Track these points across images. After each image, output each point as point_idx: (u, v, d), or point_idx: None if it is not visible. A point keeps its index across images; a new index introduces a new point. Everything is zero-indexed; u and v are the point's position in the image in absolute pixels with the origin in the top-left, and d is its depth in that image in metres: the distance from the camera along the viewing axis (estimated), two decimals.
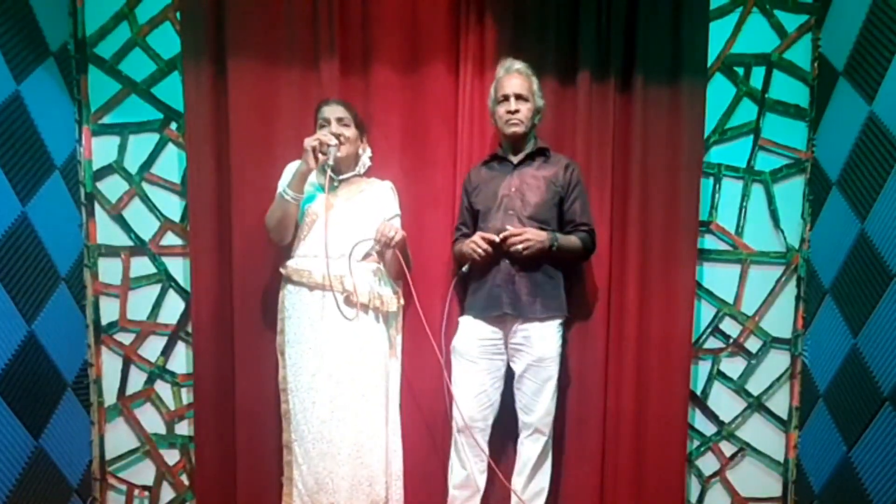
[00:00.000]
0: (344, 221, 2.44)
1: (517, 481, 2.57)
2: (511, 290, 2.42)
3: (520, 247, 2.35)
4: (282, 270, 2.48)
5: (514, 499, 2.59)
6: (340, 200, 2.48)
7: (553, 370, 2.48)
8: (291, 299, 2.46)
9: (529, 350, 2.46)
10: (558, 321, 2.50)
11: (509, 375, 2.55)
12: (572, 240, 2.46)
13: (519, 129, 2.46)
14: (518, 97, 2.44)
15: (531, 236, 2.36)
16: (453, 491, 2.61)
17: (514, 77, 2.46)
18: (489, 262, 2.42)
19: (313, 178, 2.47)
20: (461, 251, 2.51)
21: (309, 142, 2.32)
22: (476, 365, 2.50)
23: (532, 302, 2.43)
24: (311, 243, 2.45)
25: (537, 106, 2.50)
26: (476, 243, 2.40)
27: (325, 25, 2.63)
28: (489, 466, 2.58)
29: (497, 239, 2.37)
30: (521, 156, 2.52)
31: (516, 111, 2.44)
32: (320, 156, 2.34)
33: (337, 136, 2.41)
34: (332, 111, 2.46)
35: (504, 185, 2.49)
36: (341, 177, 2.51)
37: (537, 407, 2.49)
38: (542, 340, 2.45)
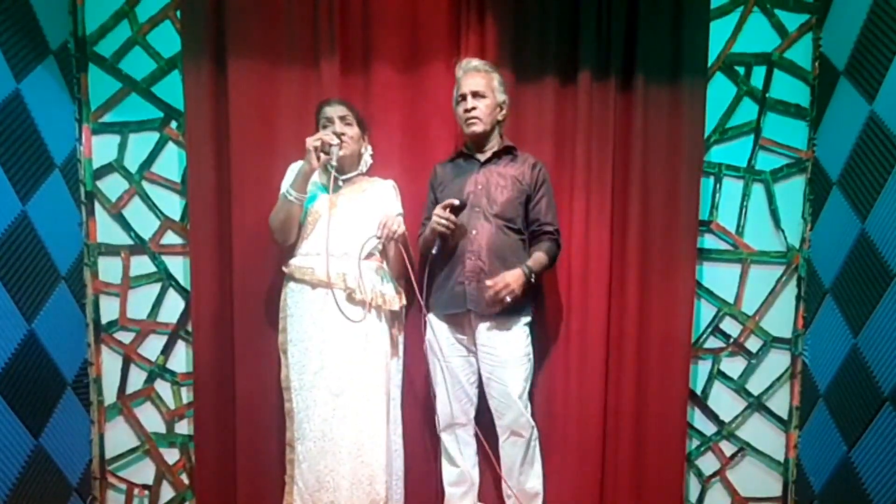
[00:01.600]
0: (346, 220, 2.44)
1: (508, 487, 2.56)
2: (475, 287, 2.39)
3: (504, 294, 2.28)
4: (284, 269, 2.48)
5: (511, 501, 2.58)
6: (343, 199, 2.48)
7: (520, 371, 2.44)
8: (294, 297, 2.46)
9: (494, 352, 2.43)
10: (524, 321, 2.47)
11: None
12: (541, 259, 2.41)
13: (477, 128, 2.41)
14: (475, 94, 2.40)
15: (511, 281, 2.29)
16: (449, 489, 2.62)
17: (470, 76, 2.43)
18: (458, 232, 2.37)
19: (316, 177, 2.47)
20: (426, 237, 2.45)
21: (311, 141, 2.32)
22: (449, 363, 2.50)
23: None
24: (313, 242, 2.45)
25: (498, 101, 2.46)
26: (438, 215, 2.33)
27: (326, 24, 2.63)
28: (483, 462, 2.58)
29: (456, 202, 2.33)
30: (487, 153, 2.49)
31: (473, 108, 2.39)
32: (322, 155, 2.34)
33: (340, 135, 2.41)
34: (335, 110, 2.46)
35: (470, 183, 2.46)
36: (344, 176, 2.50)
37: (508, 410, 2.46)
38: (506, 342, 2.42)
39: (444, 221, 2.32)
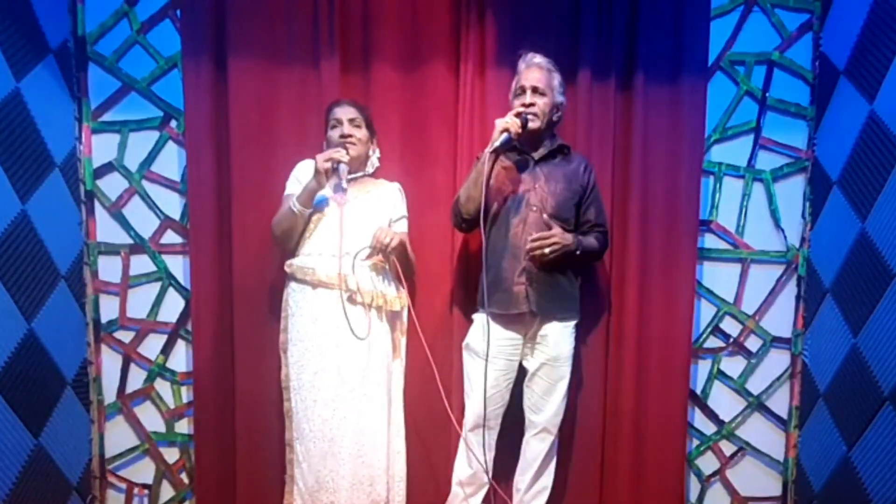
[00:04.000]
0: (351, 221, 2.43)
1: (521, 479, 2.57)
2: (534, 289, 2.39)
3: (548, 250, 2.31)
4: (286, 268, 2.48)
5: (516, 497, 2.58)
6: (348, 200, 2.47)
7: (566, 370, 2.48)
8: (295, 297, 2.46)
9: (545, 349, 2.45)
10: (574, 323, 2.49)
11: (519, 373, 2.53)
12: (592, 242, 2.46)
13: (534, 125, 2.37)
14: (535, 90, 2.38)
15: (559, 238, 2.32)
16: (455, 488, 2.60)
17: (533, 70, 2.40)
18: (524, 134, 2.34)
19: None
20: (473, 176, 2.37)
21: (322, 162, 2.31)
22: (491, 364, 2.44)
23: (551, 302, 2.42)
24: (316, 242, 2.44)
25: (556, 102, 2.43)
26: (506, 120, 2.28)
27: (326, 23, 2.62)
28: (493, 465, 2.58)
29: (521, 110, 2.33)
30: (543, 151, 2.46)
31: (531, 105, 2.36)
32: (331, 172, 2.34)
33: (348, 137, 2.42)
34: (345, 112, 2.47)
35: (525, 181, 2.43)
36: (350, 176, 2.50)
37: (547, 406, 2.48)
38: (558, 341, 2.45)
39: (517, 119, 2.30)
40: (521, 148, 2.46)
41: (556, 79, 2.45)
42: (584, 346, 2.71)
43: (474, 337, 2.49)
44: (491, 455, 2.54)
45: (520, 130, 2.31)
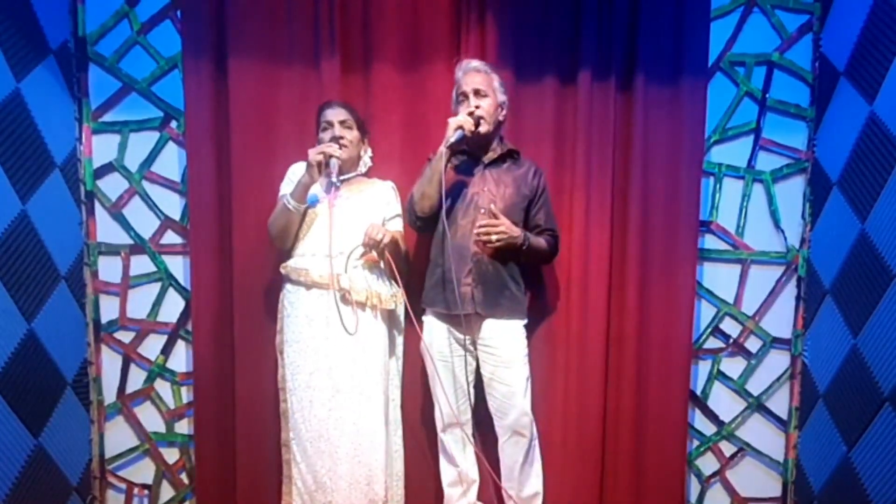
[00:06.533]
0: (344, 220, 2.43)
1: (509, 486, 2.55)
2: (479, 290, 2.39)
3: (494, 237, 2.32)
4: (282, 270, 2.49)
5: (511, 502, 2.58)
6: (341, 200, 2.48)
7: (522, 371, 2.46)
8: (290, 298, 2.47)
9: (495, 352, 2.44)
10: (521, 324, 2.48)
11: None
12: (540, 241, 2.46)
13: (483, 128, 2.38)
14: (477, 93, 2.39)
15: (506, 228, 2.33)
16: (448, 489, 2.61)
17: (471, 75, 2.42)
18: (477, 138, 2.38)
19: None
20: (428, 174, 2.37)
21: (314, 156, 2.32)
22: (448, 363, 2.48)
23: (496, 303, 2.41)
24: (309, 242, 2.45)
25: (499, 101, 2.45)
26: (459, 118, 2.30)
27: (326, 24, 2.63)
28: (481, 464, 2.57)
29: (473, 110, 2.35)
30: (492, 155, 2.48)
31: (477, 107, 2.37)
32: (324, 167, 2.35)
33: (339, 139, 2.42)
34: (335, 114, 2.47)
35: (474, 183, 2.45)
36: (343, 177, 2.50)
37: (511, 409, 2.46)
38: (510, 342, 2.44)
39: (470, 119, 2.32)
40: (471, 151, 2.48)
41: (496, 80, 2.46)
42: (583, 347, 2.71)
43: (426, 339, 2.50)
44: (471, 449, 2.55)
45: (473, 128, 2.33)
